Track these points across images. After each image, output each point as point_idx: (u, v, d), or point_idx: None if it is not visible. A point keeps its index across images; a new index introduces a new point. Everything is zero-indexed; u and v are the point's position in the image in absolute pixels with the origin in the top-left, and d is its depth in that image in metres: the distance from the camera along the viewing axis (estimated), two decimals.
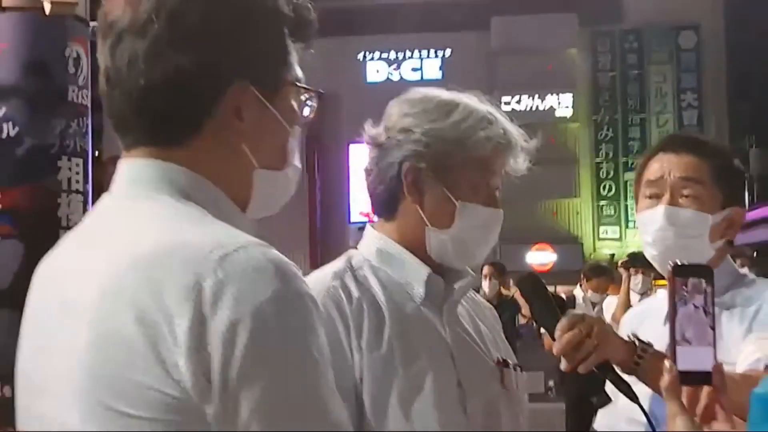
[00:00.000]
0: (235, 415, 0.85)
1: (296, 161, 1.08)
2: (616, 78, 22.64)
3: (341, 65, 23.32)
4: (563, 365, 1.47)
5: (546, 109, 21.89)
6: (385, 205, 1.50)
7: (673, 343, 1.13)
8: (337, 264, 1.50)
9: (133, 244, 0.91)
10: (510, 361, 1.54)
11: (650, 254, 1.85)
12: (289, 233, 19.00)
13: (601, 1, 21.63)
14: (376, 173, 1.50)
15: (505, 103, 22.77)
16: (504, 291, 7.76)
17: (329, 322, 1.37)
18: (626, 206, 21.07)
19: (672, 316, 1.14)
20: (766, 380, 0.91)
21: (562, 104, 22.20)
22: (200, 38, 0.96)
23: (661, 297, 1.92)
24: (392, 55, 23.38)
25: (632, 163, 19.33)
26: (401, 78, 23.31)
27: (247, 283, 0.86)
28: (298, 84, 1.06)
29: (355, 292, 1.42)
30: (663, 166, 1.84)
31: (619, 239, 21.33)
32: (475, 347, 1.51)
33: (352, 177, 23.15)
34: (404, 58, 23.40)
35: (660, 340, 1.82)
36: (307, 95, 1.08)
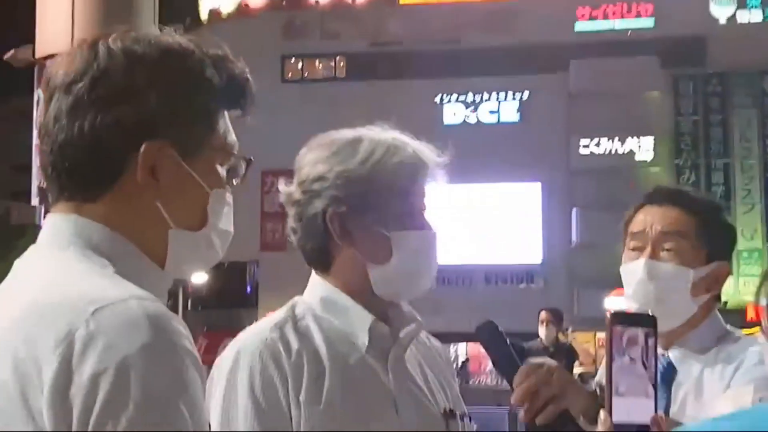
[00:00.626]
0: None
1: (223, 225, 1.09)
2: (699, 122, 22.20)
3: (418, 108, 23.47)
4: (521, 415, 1.42)
5: (626, 152, 21.57)
6: (320, 259, 1.49)
7: (609, 394, 1.11)
8: (279, 314, 1.48)
9: (26, 295, 0.94)
10: (457, 411, 1.51)
11: (632, 308, 1.81)
12: None
13: (683, 44, 21.32)
14: (302, 230, 1.48)
15: (584, 146, 22.57)
16: (561, 338, 7.67)
17: (266, 376, 1.36)
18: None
19: (609, 367, 1.12)
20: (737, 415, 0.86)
21: (642, 148, 21.85)
22: (119, 98, 1.00)
23: None
24: (469, 97, 23.43)
25: None
26: (478, 120, 23.32)
27: (117, 335, 0.87)
28: (223, 149, 1.08)
29: (294, 344, 1.40)
30: (646, 218, 1.83)
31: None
32: (421, 397, 1.47)
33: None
34: (482, 101, 23.42)
35: (688, 397, 1.77)
36: (236, 161, 1.10)
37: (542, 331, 7.22)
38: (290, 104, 20.02)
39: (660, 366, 1.75)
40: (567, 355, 7.05)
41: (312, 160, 1.49)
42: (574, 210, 20.70)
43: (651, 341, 1.13)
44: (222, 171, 1.09)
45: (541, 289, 22.21)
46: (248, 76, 1.11)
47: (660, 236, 1.79)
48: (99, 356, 0.86)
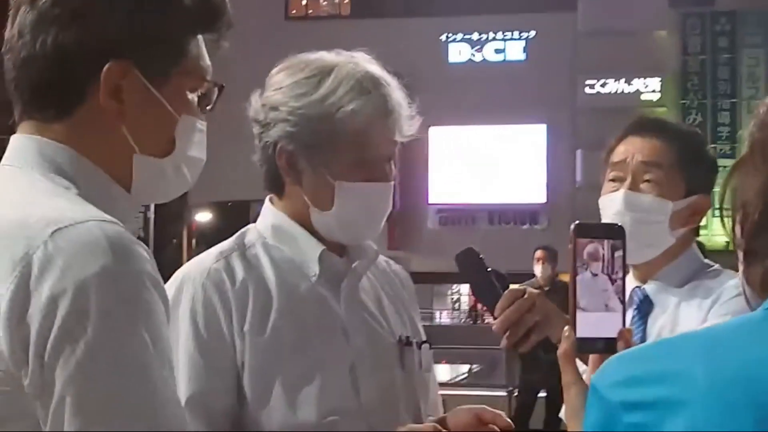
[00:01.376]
0: (50, 390, 0.84)
1: (194, 152, 1.07)
2: (706, 62, 21.95)
3: (423, 47, 23.18)
4: (502, 343, 1.41)
5: (632, 92, 21.38)
6: (272, 184, 1.47)
7: (573, 308, 1.10)
8: (226, 243, 1.46)
9: None
10: (414, 339, 1.50)
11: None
12: None
13: None
14: (259, 151, 1.46)
15: (590, 86, 22.34)
16: (562, 277, 7.69)
17: (209, 306, 1.34)
18: (713, 193, 20.46)
19: (572, 280, 1.11)
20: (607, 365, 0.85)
21: (648, 88, 21.65)
22: (83, 15, 0.97)
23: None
24: (475, 36, 23.14)
25: (721, 149, 18.74)
26: (484, 59, 23.05)
27: (75, 257, 0.86)
28: (194, 74, 1.05)
29: (239, 274, 1.38)
30: (627, 149, 1.80)
31: (705, 227, 20.74)
32: (374, 325, 1.46)
33: (431, 159, 23.09)
34: (487, 40, 23.12)
35: (663, 330, 1.77)
36: (206, 87, 1.07)
37: (537, 270, 7.23)
38: (294, 42, 19.68)
39: (636, 299, 1.75)
40: (563, 293, 7.08)
41: (276, 83, 1.45)
42: (579, 151, 20.59)
43: (618, 253, 1.11)
44: (193, 97, 1.06)
45: (545, 229, 22.21)
46: None
47: (640, 167, 1.77)
48: (57, 278, 0.85)
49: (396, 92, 1.47)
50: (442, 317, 16.61)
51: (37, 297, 0.85)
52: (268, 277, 1.40)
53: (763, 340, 0.74)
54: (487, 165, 23.78)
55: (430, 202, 24.99)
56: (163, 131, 1.03)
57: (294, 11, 26.76)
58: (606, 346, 1.08)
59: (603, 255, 1.10)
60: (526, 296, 1.38)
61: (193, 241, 26.47)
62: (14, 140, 1.02)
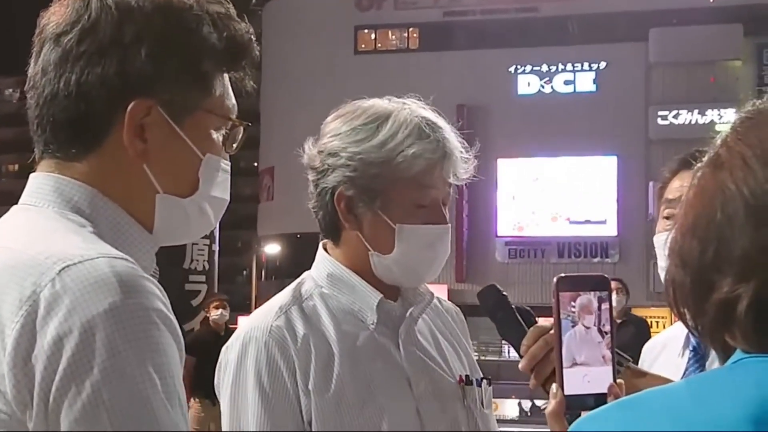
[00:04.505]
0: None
1: (217, 192, 1.04)
2: None
3: (492, 79, 23.20)
4: (531, 382, 1.35)
5: (706, 123, 20.98)
6: (329, 231, 1.45)
7: (559, 365, 1.05)
8: (284, 295, 1.45)
9: None
10: (473, 377, 1.47)
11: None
12: None
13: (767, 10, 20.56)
14: (315, 198, 1.44)
15: (662, 117, 22.02)
16: (634, 311, 7.57)
17: (274, 366, 1.34)
18: None
19: (557, 336, 1.06)
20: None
21: (723, 119, 21.22)
22: (108, 53, 0.95)
23: (678, 326, 1.78)
24: (544, 68, 23.06)
25: None
26: (553, 91, 22.94)
27: (83, 295, 0.83)
28: (218, 113, 1.02)
29: (300, 330, 1.38)
30: (683, 185, 1.69)
31: None
32: (435, 368, 1.43)
33: (499, 191, 22.99)
34: (557, 71, 23.02)
35: (676, 371, 1.68)
36: (231, 125, 1.04)
37: (613, 299, 7.11)
38: (363, 76, 20.00)
39: (692, 343, 1.68)
40: (638, 326, 6.91)
41: (333, 130, 1.43)
42: (651, 183, 20.26)
43: (605, 305, 1.07)
44: (218, 136, 1.04)
45: (616, 263, 21.84)
46: (251, 36, 1.04)
47: None
48: (63, 317, 0.82)
49: (451, 136, 1.47)
50: (511, 352, 16.33)
51: (43, 337, 0.82)
52: (328, 329, 1.41)
53: (728, 397, 0.71)
54: (557, 197, 23.58)
55: (498, 234, 24.90)
56: (186, 171, 1.01)
57: (363, 46, 27.13)
58: (596, 403, 1.02)
59: (592, 306, 1.06)
60: (551, 332, 1.35)
61: (263, 272, 26.82)
62: (32, 179, 1.00)
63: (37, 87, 0.98)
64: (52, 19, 0.99)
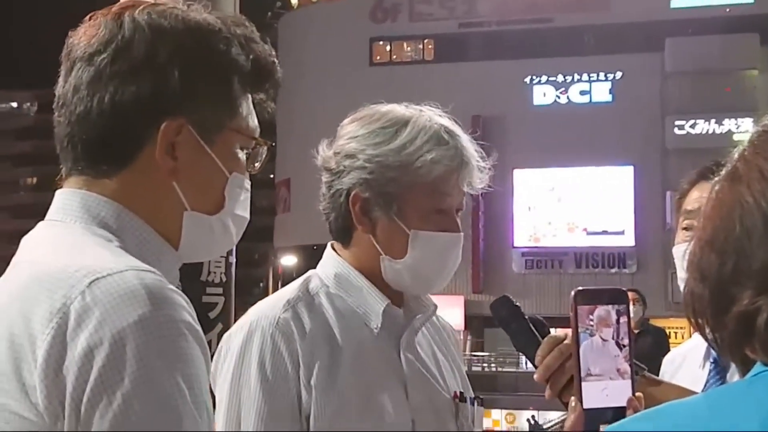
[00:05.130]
0: None
1: (240, 210, 1.06)
2: None
3: (507, 89, 23.20)
4: (546, 393, 1.33)
5: (723, 133, 20.89)
6: (340, 232, 1.44)
7: (578, 378, 1.05)
8: (291, 290, 1.45)
9: (25, 270, 0.92)
10: (467, 394, 1.46)
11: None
12: None
13: None
14: (328, 200, 1.43)
15: (679, 127, 21.93)
16: (653, 321, 7.52)
17: (278, 357, 1.34)
18: None
19: (576, 349, 1.05)
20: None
21: (741, 128, 21.13)
22: (141, 72, 0.97)
23: (698, 337, 1.77)
24: (560, 78, 23.05)
25: None
26: (569, 101, 22.91)
27: (112, 307, 0.85)
28: (244, 133, 1.04)
29: (307, 324, 1.38)
30: (701, 196, 1.67)
31: None
32: (432, 381, 1.43)
33: (515, 202, 22.97)
34: (572, 82, 23.00)
35: (697, 383, 1.66)
36: (255, 145, 1.06)
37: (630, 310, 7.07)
38: (378, 88, 20.06)
39: (713, 354, 1.66)
40: (656, 336, 6.86)
41: (350, 132, 1.43)
42: (668, 193, 20.18)
43: (623, 318, 1.07)
44: (242, 155, 1.05)
45: (634, 273, 21.74)
46: (274, 59, 1.07)
47: None
48: (94, 329, 0.84)
49: (469, 144, 1.47)
50: (529, 364, 16.28)
51: (74, 348, 0.84)
52: (334, 328, 1.40)
53: (748, 411, 0.71)
54: (573, 208, 23.53)
55: (515, 245, 24.87)
56: (214, 189, 1.03)
57: (378, 57, 27.24)
58: (615, 416, 1.03)
59: (610, 319, 1.06)
60: (566, 341, 1.33)
61: (279, 283, 26.82)
62: (59, 195, 1.02)
63: (68, 105, 1.00)
64: (83, 39, 1.00)
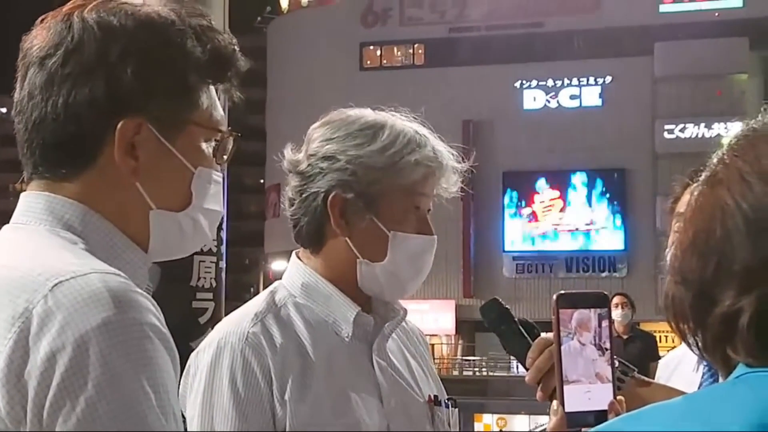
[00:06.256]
0: None
1: (210, 204, 1.04)
2: None
3: (497, 94, 23.24)
4: (538, 395, 1.34)
5: (713, 137, 20.97)
6: (311, 238, 1.42)
7: (560, 382, 1.05)
8: (258, 302, 1.42)
9: None
10: (441, 397, 1.45)
11: None
12: (443, 261, 19.07)
13: None
14: (299, 203, 1.41)
15: (668, 132, 22.01)
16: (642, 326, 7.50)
17: (250, 373, 1.33)
18: None
19: (558, 353, 1.06)
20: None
21: (730, 132, 21.08)
22: (93, 73, 0.96)
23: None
24: (549, 82, 23.11)
25: None
26: (559, 105, 22.97)
27: (76, 311, 0.83)
28: (207, 125, 1.02)
29: (278, 338, 1.36)
30: None
31: None
32: (405, 387, 1.43)
33: (506, 206, 23.01)
34: (563, 86, 23.07)
35: (692, 386, 1.67)
36: (221, 137, 1.04)
37: (616, 315, 7.03)
38: (369, 92, 20.05)
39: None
40: (645, 341, 6.85)
41: (323, 135, 1.41)
42: (658, 197, 20.25)
43: (605, 322, 1.08)
44: (208, 148, 1.03)
45: (624, 277, 21.79)
46: (235, 47, 1.04)
47: None
48: (57, 333, 0.82)
49: (442, 147, 1.47)
50: (521, 367, 16.29)
51: (36, 353, 0.82)
52: (303, 339, 1.39)
53: (729, 413, 0.71)
54: (564, 212, 23.57)
55: (506, 249, 24.90)
56: (179, 185, 1.01)
57: (368, 62, 27.25)
58: (597, 420, 1.03)
59: (591, 323, 1.07)
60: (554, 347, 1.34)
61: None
62: (23, 198, 1.01)
63: (25, 111, 0.98)
64: (35, 42, 0.99)
